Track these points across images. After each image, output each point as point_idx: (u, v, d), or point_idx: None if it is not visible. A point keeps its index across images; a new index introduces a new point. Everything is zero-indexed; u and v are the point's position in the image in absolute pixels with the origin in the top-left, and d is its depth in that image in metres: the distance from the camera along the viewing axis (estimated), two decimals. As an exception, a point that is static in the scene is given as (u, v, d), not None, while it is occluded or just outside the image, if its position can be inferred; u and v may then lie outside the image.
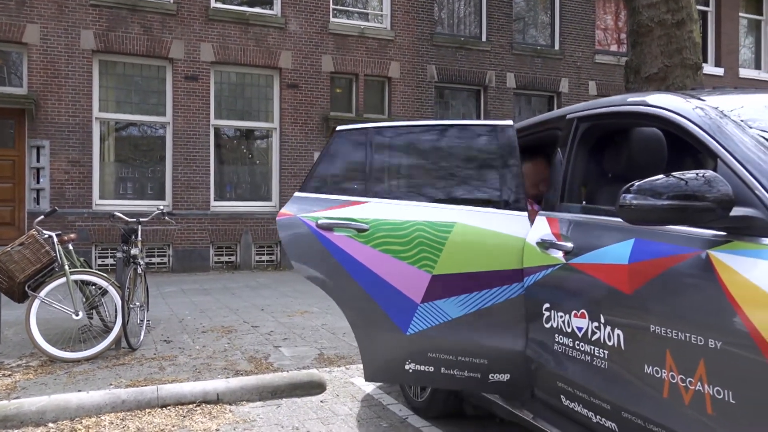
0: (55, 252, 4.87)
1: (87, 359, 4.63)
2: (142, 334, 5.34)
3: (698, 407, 1.79)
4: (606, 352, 2.16)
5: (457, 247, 2.76)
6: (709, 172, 1.83)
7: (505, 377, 2.72)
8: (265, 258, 11.85)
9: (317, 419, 3.50)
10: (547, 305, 2.50)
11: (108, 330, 5.11)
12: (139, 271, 5.53)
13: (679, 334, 1.85)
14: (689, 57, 6.44)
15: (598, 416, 2.22)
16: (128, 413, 3.52)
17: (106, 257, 10.57)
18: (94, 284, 5.07)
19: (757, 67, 17.67)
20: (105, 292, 5.03)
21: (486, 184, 2.88)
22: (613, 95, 2.99)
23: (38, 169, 10.35)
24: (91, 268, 5.73)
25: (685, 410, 1.84)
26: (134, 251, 5.38)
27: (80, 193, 10.53)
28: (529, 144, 3.16)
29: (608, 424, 2.17)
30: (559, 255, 2.45)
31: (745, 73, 17.03)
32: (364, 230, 2.87)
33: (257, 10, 11.92)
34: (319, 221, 2.91)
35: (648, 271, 2.00)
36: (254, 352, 4.97)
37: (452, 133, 3.00)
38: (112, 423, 3.38)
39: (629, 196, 1.87)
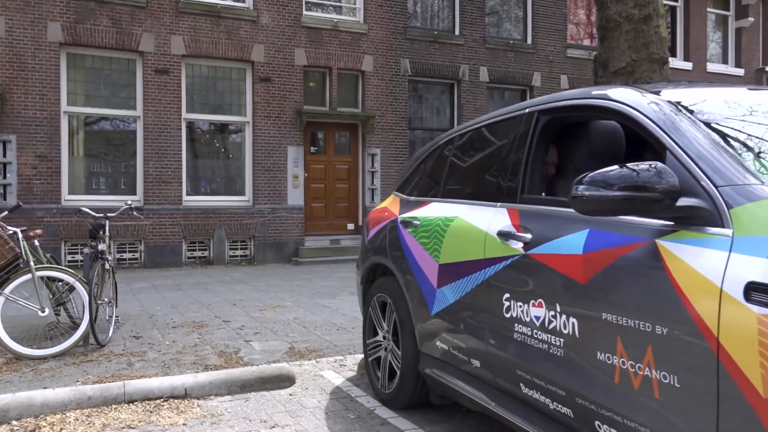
0: (20, 248, 4.80)
1: (54, 356, 4.58)
2: (111, 330, 5.29)
3: (646, 392, 1.84)
4: (562, 340, 2.21)
5: (451, 239, 3.05)
6: (658, 164, 1.86)
7: (477, 363, 2.80)
8: (238, 253, 11.79)
9: (285, 412, 3.52)
10: (507, 295, 2.54)
11: (76, 327, 5.05)
12: (107, 266, 5.47)
13: (629, 321, 1.90)
14: (656, 51, 6.54)
15: (554, 403, 2.26)
16: (94, 409, 3.50)
17: (76, 253, 10.42)
18: (61, 280, 5.01)
19: (725, 61, 18.02)
20: (72, 288, 4.98)
21: (482, 180, 3.11)
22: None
23: (5, 165, 10.16)
24: (59, 264, 5.65)
25: (635, 395, 1.88)
26: (102, 247, 5.33)
27: (48, 188, 10.36)
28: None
29: (564, 410, 2.22)
30: (518, 246, 2.50)
31: (712, 67, 17.36)
32: (417, 225, 3.44)
33: (229, 2, 11.81)
34: (402, 220, 3.65)
35: (600, 261, 2.04)
36: (224, 347, 4.96)
37: (475, 135, 3.37)
38: (78, 419, 3.36)
39: (582, 187, 1.90)
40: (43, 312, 4.74)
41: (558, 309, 2.23)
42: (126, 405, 3.57)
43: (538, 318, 2.34)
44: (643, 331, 1.85)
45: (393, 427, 3.30)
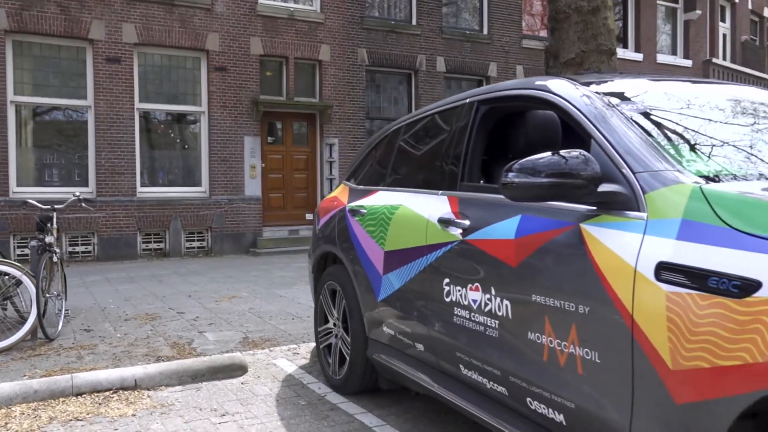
0: (-37, 242, 4.68)
1: (0, 351, 4.50)
2: (60, 324, 5.22)
3: (571, 368, 1.94)
4: (496, 321, 2.31)
5: (395, 226, 3.12)
6: (583, 152, 1.95)
7: (421, 347, 2.87)
8: (195, 244, 11.68)
9: (236, 400, 3.55)
10: (447, 280, 2.62)
11: (23, 321, 4.96)
12: (55, 259, 5.38)
13: (556, 302, 2.00)
14: (604, 43, 6.70)
15: (491, 382, 2.36)
16: (41, 403, 3.47)
17: (26, 247, 10.17)
18: (7, 274, 4.91)
19: (674, 53, 18.53)
20: (19, 282, 4.88)
21: (426, 169, 3.17)
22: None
23: (-52, 156, 9.83)
24: (6, 258, 5.53)
25: (561, 372, 1.99)
26: (49, 239, 5.23)
27: (-4, 180, 10.07)
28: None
29: (499, 389, 2.32)
30: (457, 232, 2.58)
31: (662, 58, 17.84)
32: (364, 214, 3.50)
33: (182, -10, 11.61)
34: (350, 208, 3.71)
35: (530, 245, 2.14)
36: (177, 338, 4.94)
37: (420, 125, 3.41)
38: (23, 413, 3.33)
39: (511, 174, 1.97)
40: (-12, 306, 4.65)
41: (493, 292, 2.32)
42: (74, 398, 3.55)
43: (475, 301, 2.43)
44: (568, 310, 1.95)
45: (342, 412, 3.36)
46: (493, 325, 2.32)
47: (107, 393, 3.62)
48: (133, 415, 3.32)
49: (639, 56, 17.14)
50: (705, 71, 18.43)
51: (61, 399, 3.53)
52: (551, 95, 2.35)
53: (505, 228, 2.29)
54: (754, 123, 2.29)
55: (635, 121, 2.09)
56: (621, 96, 2.30)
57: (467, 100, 2.93)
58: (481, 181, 2.80)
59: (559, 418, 2.02)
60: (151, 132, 11.73)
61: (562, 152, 1.94)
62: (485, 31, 14.89)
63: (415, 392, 3.47)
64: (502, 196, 2.38)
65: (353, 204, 3.71)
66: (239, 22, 12.01)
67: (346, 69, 13.09)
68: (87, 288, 7.68)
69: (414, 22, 13.98)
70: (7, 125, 10.22)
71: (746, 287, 1.46)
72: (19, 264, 4.89)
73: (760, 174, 1.90)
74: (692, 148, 2.03)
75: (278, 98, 12.51)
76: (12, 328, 4.88)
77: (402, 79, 14.08)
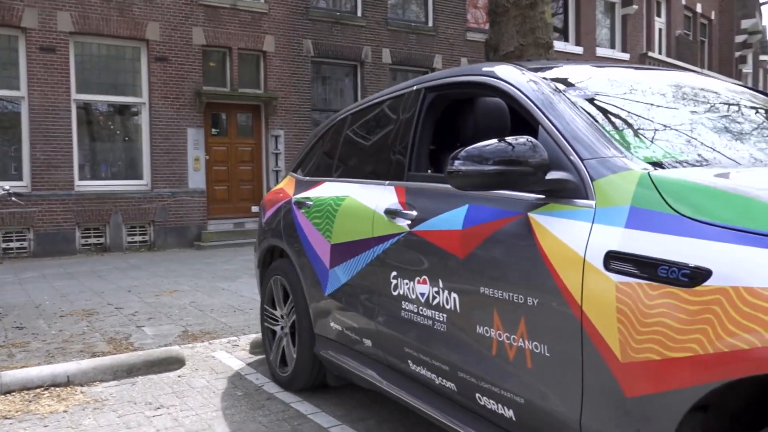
0: None
1: (-75, 351, 4.35)
2: (-9, 321, 5.07)
3: (520, 362, 1.89)
4: (444, 315, 2.23)
5: (342, 218, 3.02)
6: (531, 138, 1.87)
7: (369, 342, 2.80)
8: (137, 239, 11.44)
9: (172, 393, 3.54)
10: (394, 273, 2.55)
11: (-50, 319, 4.80)
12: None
13: (504, 294, 1.93)
14: (542, 36, 6.87)
15: (440, 378, 2.29)
16: (-33, 402, 3.38)
17: (-43, 243, 9.78)
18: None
19: (612, 46, 19.10)
20: (-55, 279, 4.72)
21: (372, 158, 3.09)
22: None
23: None
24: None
25: (510, 366, 1.93)
26: (-23, 235, 5.06)
27: None
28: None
29: (448, 384, 2.25)
30: (404, 223, 2.51)
31: (601, 52, 18.37)
32: (310, 206, 3.40)
33: (120, -23, 11.29)
34: (296, 200, 3.58)
35: (477, 236, 2.08)
36: (115, 334, 4.87)
37: (366, 114, 3.31)
38: (-52, 413, 3.24)
39: (457, 162, 1.88)
40: None
41: (440, 285, 2.25)
42: (2, 396, 3.47)
43: (423, 295, 2.35)
44: (517, 303, 1.89)
45: (279, 401, 3.40)
46: (441, 319, 2.25)
47: (38, 390, 3.56)
48: (65, 412, 3.27)
49: (579, 49, 17.60)
50: (641, 64, 19.06)
51: (-11, 398, 3.45)
52: (498, 81, 2.29)
53: (453, 218, 2.22)
54: (696, 109, 2.27)
55: (582, 107, 2.05)
56: (567, 82, 2.26)
57: (414, 88, 2.85)
58: (429, 171, 2.74)
59: (509, 413, 1.97)
60: (91, 124, 11.41)
61: (509, 139, 1.86)
62: (431, 24, 15.02)
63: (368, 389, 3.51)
64: (449, 186, 2.27)
65: (299, 196, 3.60)
66: (181, 11, 11.77)
67: (292, 60, 13.01)
68: (21, 285, 7.45)
69: (359, 13, 13.98)
70: (-67, 117, 9.77)
71: (696, 276, 1.40)
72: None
73: (706, 160, 1.86)
74: (638, 134, 1.97)
75: (222, 89, 12.34)
76: (-62, 328, 4.72)
77: (348, 71, 14.08)
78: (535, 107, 2.09)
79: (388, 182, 2.79)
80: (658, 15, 21.04)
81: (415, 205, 2.49)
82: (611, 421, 1.61)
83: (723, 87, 2.55)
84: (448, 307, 2.21)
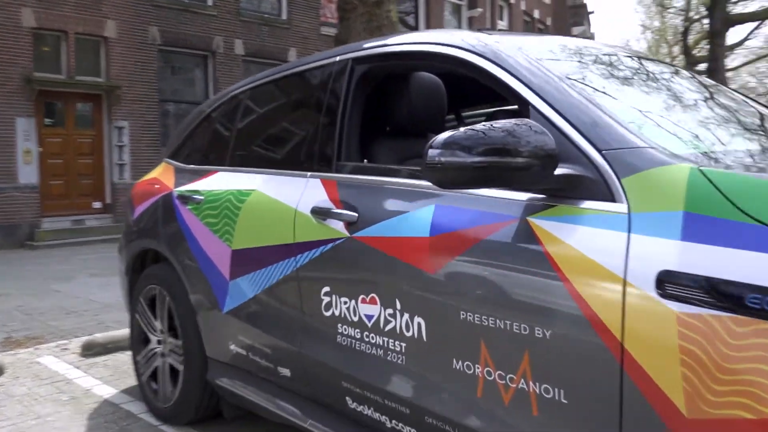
0: None
1: None
2: None
3: (521, 408, 1.48)
4: (403, 344, 1.78)
5: (248, 219, 2.45)
6: (529, 122, 1.46)
7: (287, 372, 2.29)
8: (-43, 239, 10.32)
9: (-13, 404, 3.29)
10: (326, 289, 2.04)
11: None
12: None
13: (497, 321, 1.52)
14: (387, 35, 7.12)
15: (394, 421, 1.86)
16: None
17: None
18: None
19: (461, 47, 20.16)
20: None
21: (285, 144, 2.56)
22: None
23: None
24: None
25: (504, 412, 1.53)
26: None
27: None
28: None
29: (407, 429, 1.82)
30: (339, 227, 2.00)
31: (450, 51, 19.30)
32: (200, 203, 2.77)
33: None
34: (179, 194, 2.95)
35: (455, 245, 1.65)
36: None
37: (274, 88, 2.78)
38: None
39: (435, 151, 1.44)
40: None
41: (398, 306, 1.79)
42: None
43: (370, 317, 1.88)
44: (517, 333, 1.48)
45: (108, 403, 3.27)
46: (398, 349, 1.80)
47: None
48: None
49: None
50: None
51: None
52: (460, 51, 1.87)
53: (414, 222, 1.77)
54: (657, 86, 1.94)
55: (575, 84, 1.67)
56: (539, 53, 1.84)
57: (338, 58, 2.32)
58: (365, 161, 2.27)
59: None
60: None
61: (504, 122, 1.44)
62: (285, 17, 14.93)
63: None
64: (401, 180, 1.91)
65: (184, 189, 2.93)
66: (5, -11, 10.74)
67: (136, 48, 12.34)
68: None
69: (210, 2, 13.56)
70: None
71: None
72: None
73: (737, 151, 1.56)
74: (647, 117, 1.62)
75: (57, 77, 11.43)
76: None
77: (199, 61, 13.63)
78: (519, 82, 1.68)
79: (310, 174, 2.27)
80: (501, 18, 22.45)
81: (355, 203, 2.00)
82: None
83: (646, 60, 2.22)
84: (408, 334, 1.76)
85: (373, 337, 1.89)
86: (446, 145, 1.44)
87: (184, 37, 13.05)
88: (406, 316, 1.77)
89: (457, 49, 1.90)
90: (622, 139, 1.44)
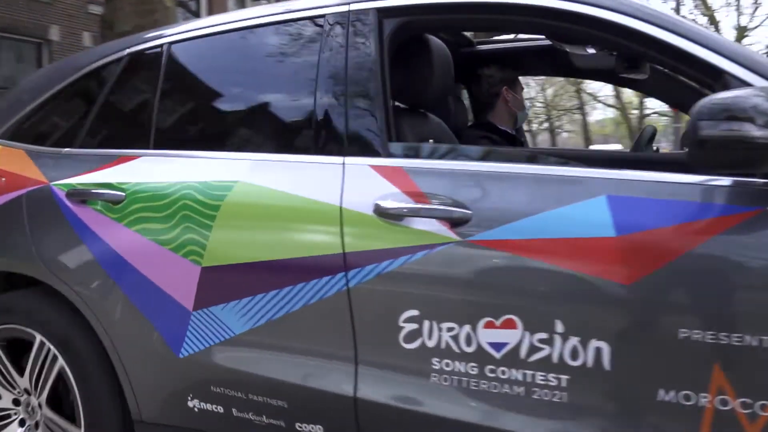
0: None
1: None
2: None
3: None
4: (565, 377, 1.44)
5: (233, 222, 1.80)
6: None
7: (317, 428, 1.72)
8: None
9: None
10: (412, 313, 1.57)
11: None
12: None
13: (744, 338, 1.28)
14: (161, 20, 6.85)
15: None
16: None
17: None
18: None
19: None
20: None
21: (293, 117, 1.96)
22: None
23: None
24: None
25: None
26: None
27: None
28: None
29: None
30: (436, 228, 1.55)
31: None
32: (119, 201, 1.94)
33: None
34: (70, 191, 2.03)
35: (669, 246, 1.36)
36: None
37: (254, 39, 2.03)
38: None
39: (708, 123, 1.22)
40: None
41: (558, 329, 1.44)
42: None
43: (500, 346, 1.49)
44: None
45: None
46: (555, 383, 1.44)
47: None
48: None
49: None
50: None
51: None
52: (608, 11, 1.51)
53: (579, 220, 1.44)
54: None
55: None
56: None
57: (349, 7, 1.81)
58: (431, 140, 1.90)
59: None
60: None
61: (755, 89, 1.25)
62: (45, -10, 13.47)
63: None
64: (526, 165, 1.59)
65: (75, 181, 2.06)
66: None
67: None
68: None
69: (-54, -35, 11.73)
70: None
71: None
72: None
73: None
74: None
75: None
76: None
77: (-66, 33, 11.73)
78: (711, 52, 1.42)
79: (347, 159, 1.72)
80: None
81: (457, 197, 1.56)
82: None
83: None
84: (575, 363, 1.42)
85: (504, 372, 1.48)
86: (720, 111, 1.21)
87: None
88: (574, 341, 1.42)
89: (601, 9, 1.54)
90: None
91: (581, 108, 32.38)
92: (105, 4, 7.06)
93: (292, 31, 1.95)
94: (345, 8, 1.81)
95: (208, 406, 1.85)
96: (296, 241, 1.71)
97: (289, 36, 1.96)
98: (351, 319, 1.62)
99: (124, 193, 1.94)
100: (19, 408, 2.15)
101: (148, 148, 2.03)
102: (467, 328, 1.51)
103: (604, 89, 30.37)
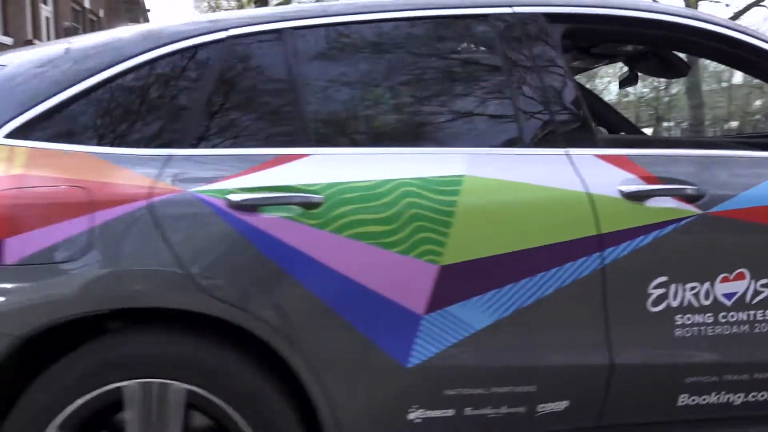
0: None
1: None
2: None
3: None
4: None
5: (475, 214, 1.79)
6: None
7: (563, 404, 1.84)
8: None
9: None
10: (661, 279, 1.81)
11: None
12: None
13: None
14: None
15: (752, 394, 1.84)
16: None
17: None
18: None
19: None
20: None
21: (497, 112, 1.98)
22: None
23: None
24: None
25: None
26: None
27: None
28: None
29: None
30: (676, 204, 1.81)
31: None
32: (316, 205, 1.67)
33: None
34: (233, 198, 1.63)
35: None
36: None
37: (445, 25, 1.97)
38: None
39: None
40: None
41: None
42: None
43: (731, 295, 1.82)
44: None
45: None
46: None
47: None
48: None
49: (9, 40, 15.11)
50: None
51: None
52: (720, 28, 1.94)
53: None
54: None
55: None
56: None
57: (526, 9, 1.94)
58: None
59: None
60: None
61: None
62: None
63: None
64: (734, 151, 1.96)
65: (231, 186, 1.68)
66: None
67: None
68: None
69: None
70: None
71: None
72: None
73: None
74: None
75: None
76: None
77: None
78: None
79: (569, 150, 1.86)
80: (45, 3, 19.56)
81: (687, 179, 1.84)
82: None
83: None
84: None
85: (733, 316, 1.82)
86: None
87: None
88: None
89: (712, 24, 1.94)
90: None
91: None
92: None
93: (458, 28, 1.96)
94: (532, 9, 1.92)
95: (435, 413, 1.79)
96: (546, 227, 1.78)
97: (455, 32, 1.98)
98: (603, 294, 1.77)
99: (320, 196, 1.69)
100: None
101: (305, 145, 1.80)
102: (707, 284, 1.77)
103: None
